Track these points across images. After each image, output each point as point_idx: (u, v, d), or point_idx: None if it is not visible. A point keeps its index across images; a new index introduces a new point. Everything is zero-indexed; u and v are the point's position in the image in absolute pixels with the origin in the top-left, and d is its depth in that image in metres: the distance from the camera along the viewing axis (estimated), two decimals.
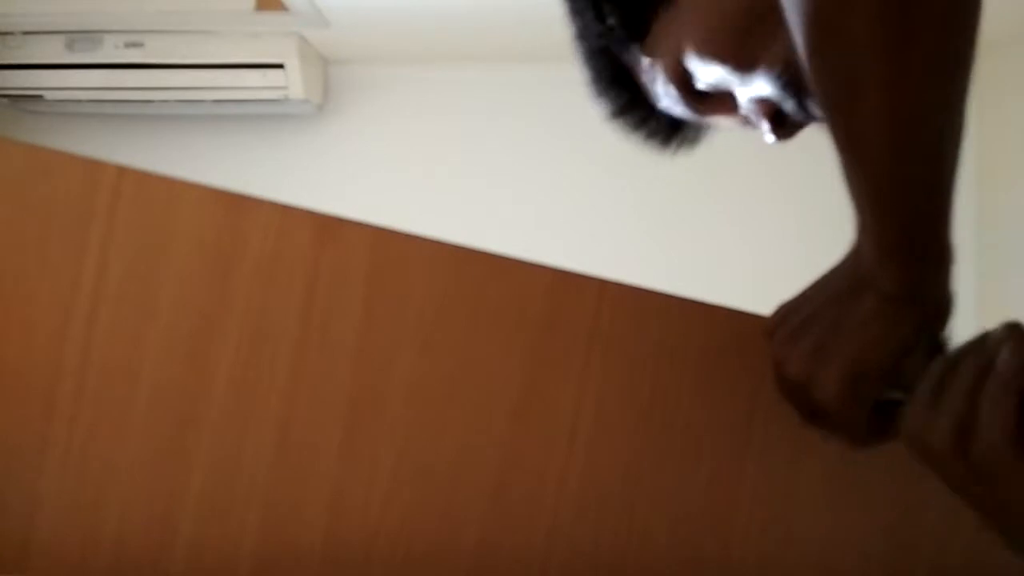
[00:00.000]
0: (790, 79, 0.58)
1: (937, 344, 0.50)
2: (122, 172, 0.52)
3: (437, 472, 0.57)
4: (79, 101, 2.46)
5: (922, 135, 0.44)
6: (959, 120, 0.44)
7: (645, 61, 0.65)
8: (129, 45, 2.33)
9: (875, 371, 0.48)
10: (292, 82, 2.35)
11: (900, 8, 0.40)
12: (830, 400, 0.48)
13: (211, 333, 0.53)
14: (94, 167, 0.52)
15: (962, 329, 0.52)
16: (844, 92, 0.44)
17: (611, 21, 0.65)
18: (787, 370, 0.51)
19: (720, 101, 0.64)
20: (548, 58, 2.46)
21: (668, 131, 0.71)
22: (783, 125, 0.62)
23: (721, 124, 0.68)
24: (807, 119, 0.61)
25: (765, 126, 0.62)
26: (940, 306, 0.49)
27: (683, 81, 0.63)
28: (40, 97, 2.46)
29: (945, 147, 0.44)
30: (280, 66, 2.34)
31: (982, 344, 0.47)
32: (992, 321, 0.48)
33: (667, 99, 0.66)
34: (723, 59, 0.60)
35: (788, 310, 0.53)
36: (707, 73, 0.62)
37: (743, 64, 0.60)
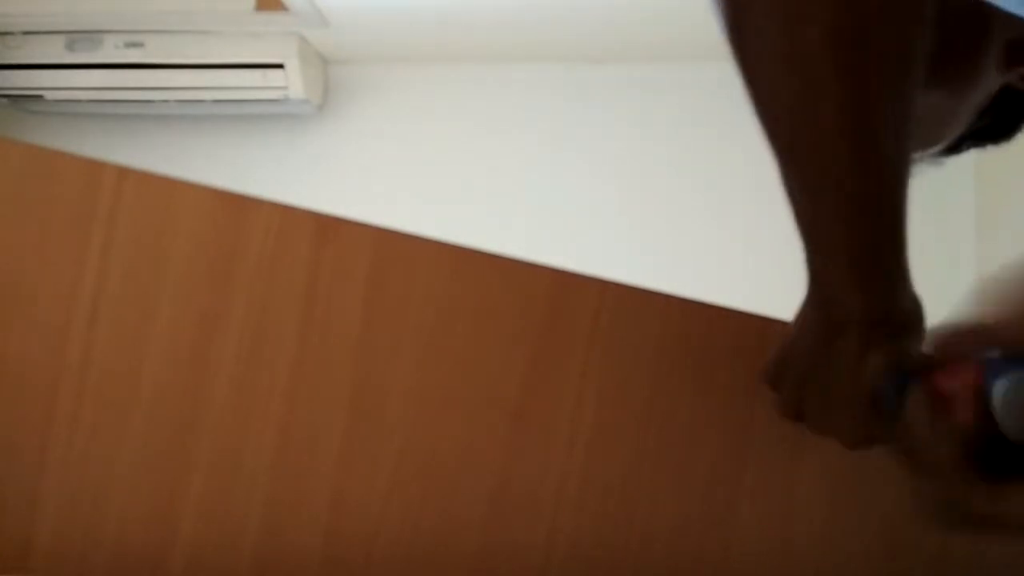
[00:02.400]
0: None
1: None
2: (123, 172, 0.52)
3: (437, 472, 0.57)
4: (79, 101, 2.46)
5: (880, 148, 0.44)
6: (909, 128, 0.45)
7: None
8: (129, 45, 2.34)
9: (886, 397, 0.50)
10: (292, 82, 2.36)
11: (853, 29, 0.40)
12: (860, 438, 0.52)
13: (212, 333, 0.53)
14: (95, 167, 0.52)
15: None
16: (800, 117, 0.44)
17: None
18: (812, 427, 0.54)
19: None
20: (548, 58, 2.47)
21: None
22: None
23: None
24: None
25: None
26: (913, 313, 0.51)
27: None
28: (40, 97, 2.46)
29: (901, 156, 0.45)
30: (280, 66, 2.34)
31: None
32: None
33: None
34: None
35: (781, 364, 0.55)
36: None
37: None
